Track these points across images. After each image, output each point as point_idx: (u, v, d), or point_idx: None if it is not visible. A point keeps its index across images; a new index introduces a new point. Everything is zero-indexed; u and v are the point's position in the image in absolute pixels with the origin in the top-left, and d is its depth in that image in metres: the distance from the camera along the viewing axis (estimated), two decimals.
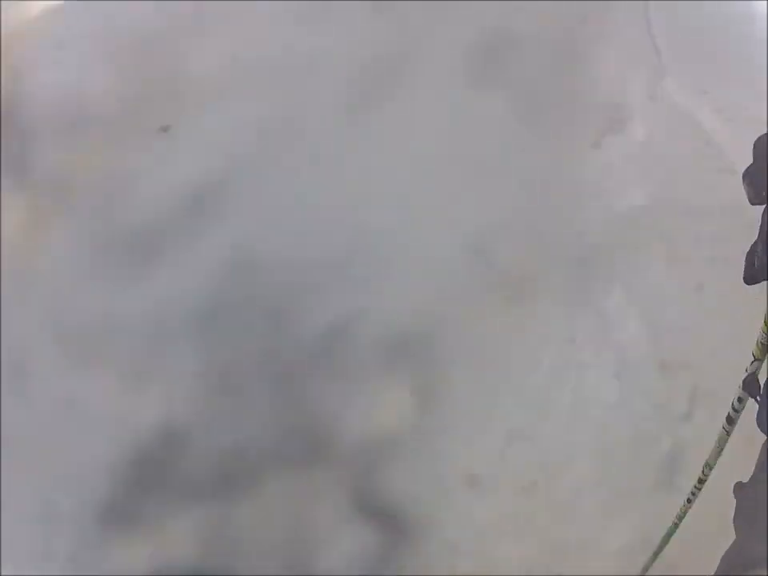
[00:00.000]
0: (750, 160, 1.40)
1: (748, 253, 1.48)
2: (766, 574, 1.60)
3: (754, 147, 1.47)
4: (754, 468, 1.40)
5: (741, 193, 1.46)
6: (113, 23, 1.73)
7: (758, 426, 1.49)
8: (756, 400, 1.48)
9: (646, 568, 1.53)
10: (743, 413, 1.43)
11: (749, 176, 1.51)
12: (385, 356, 1.64)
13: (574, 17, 1.71)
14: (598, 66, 1.73)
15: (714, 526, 1.38)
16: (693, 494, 1.48)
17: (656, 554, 1.51)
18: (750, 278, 1.54)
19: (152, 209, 1.65)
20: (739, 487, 1.48)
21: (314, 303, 1.59)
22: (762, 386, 1.55)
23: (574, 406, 1.65)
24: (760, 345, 1.55)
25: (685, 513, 1.49)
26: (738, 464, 1.38)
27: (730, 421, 1.44)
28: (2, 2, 1.85)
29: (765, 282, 1.42)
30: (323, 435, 1.61)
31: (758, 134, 1.59)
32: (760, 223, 1.51)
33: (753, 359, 1.52)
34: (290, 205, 1.61)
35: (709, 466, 1.46)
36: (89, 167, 1.69)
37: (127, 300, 1.63)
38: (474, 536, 1.60)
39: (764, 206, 1.48)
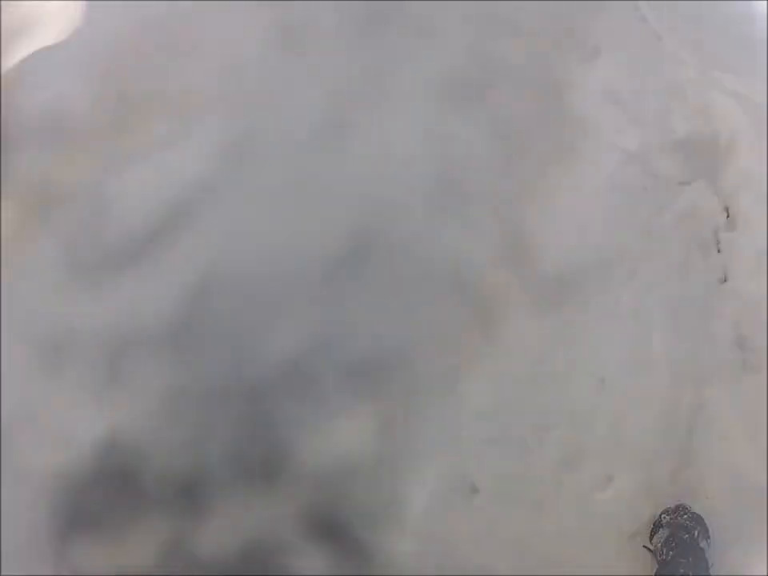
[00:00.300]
0: None
1: None
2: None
3: None
4: None
5: None
6: (98, 41, 1.77)
7: None
8: None
9: None
10: None
11: None
12: (348, 380, 1.64)
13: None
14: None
15: None
16: None
17: None
18: None
19: (126, 223, 1.68)
20: None
21: (279, 324, 1.61)
22: None
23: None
24: None
25: None
26: None
27: None
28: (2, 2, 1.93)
29: None
30: (283, 455, 1.61)
31: None
32: None
33: None
34: (263, 224, 1.62)
35: None
36: (65, 182, 1.72)
37: (93, 311, 1.66)
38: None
39: None
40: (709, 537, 1.57)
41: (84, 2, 1.87)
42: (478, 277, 1.62)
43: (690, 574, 1.52)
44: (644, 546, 1.59)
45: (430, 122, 1.68)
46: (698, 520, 1.59)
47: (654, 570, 1.56)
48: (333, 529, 1.57)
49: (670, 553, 1.57)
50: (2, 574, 1.69)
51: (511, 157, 1.67)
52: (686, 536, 1.57)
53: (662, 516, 1.62)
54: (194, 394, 1.63)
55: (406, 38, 1.76)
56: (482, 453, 1.62)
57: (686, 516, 1.60)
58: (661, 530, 1.59)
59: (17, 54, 1.82)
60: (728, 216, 1.76)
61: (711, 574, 1.52)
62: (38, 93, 1.80)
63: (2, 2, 1.89)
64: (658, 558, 1.59)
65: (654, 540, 1.60)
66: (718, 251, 1.71)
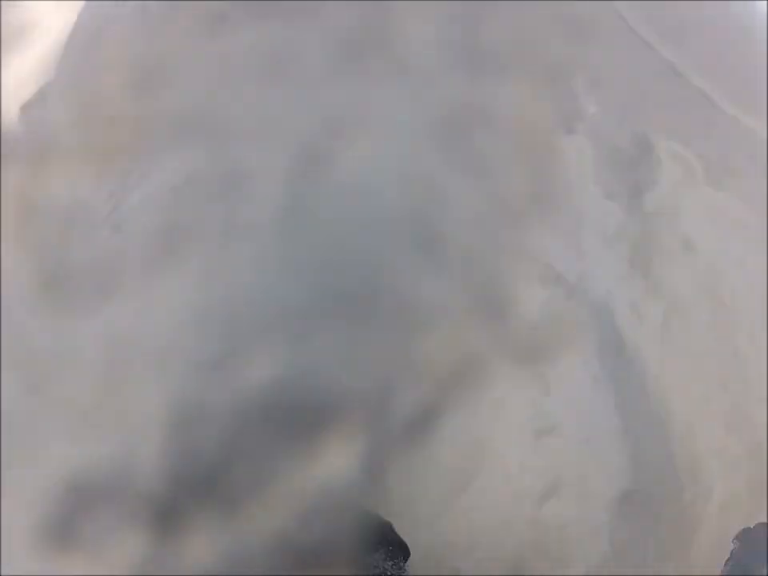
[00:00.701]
0: None
1: None
2: (765, 573, 1.56)
3: None
4: None
5: None
6: (91, 58, 1.73)
7: None
8: None
9: None
10: None
11: None
12: (329, 415, 1.64)
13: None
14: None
15: None
16: None
17: None
18: None
19: (113, 244, 1.68)
20: None
21: (263, 354, 1.61)
22: None
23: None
24: None
25: None
26: None
27: None
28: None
29: None
30: (260, 481, 1.64)
31: None
32: None
33: None
34: (250, 253, 1.61)
35: None
36: (50, 199, 1.73)
37: (81, 335, 1.68)
38: None
39: None
40: None
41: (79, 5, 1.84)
42: (452, 327, 1.62)
43: None
44: None
45: (408, 161, 1.67)
46: None
47: None
48: (305, 554, 1.62)
49: None
50: (2, 574, 1.76)
51: (490, 205, 1.63)
52: None
53: None
54: (176, 417, 1.66)
55: (391, 76, 1.71)
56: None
57: None
58: None
59: (12, 63, 1.80)
60: None
61: None
62: (28, 108, 1.79)
63: (2, 1, 1.85)
64: None
65: None
66: None
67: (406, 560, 1.67)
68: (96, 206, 1.71)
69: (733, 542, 1.69)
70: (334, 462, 1.59)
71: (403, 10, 1.70)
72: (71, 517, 1.65)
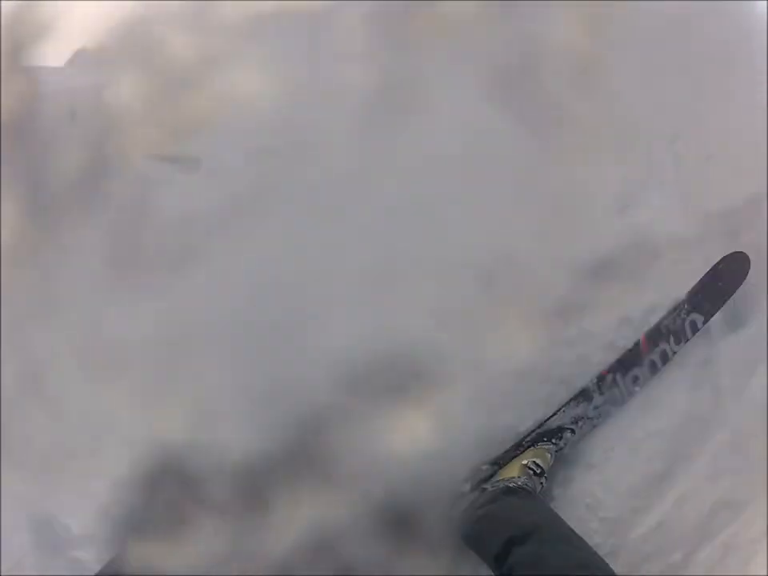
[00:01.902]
0: None
1: None
2: (765, 573, 1.64)
3: None
4: None
5: None
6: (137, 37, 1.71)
7: None
8: None
9: None
10: None
11: None
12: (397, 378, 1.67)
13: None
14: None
15: None
16: None
17: None
18: None
19: (174, 227, 1.65)
20: None
21: (331, 326, 1.62)
22: None
23: None
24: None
25: None
26: None
27: None
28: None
29: None
30: (334, 455, 1.65)
31: None
32: None
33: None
34: (312, 227, 1.61)
35: None
36: (107, 184, 1.70)
37: (146, 317, 1.65)
38: None
39: None
40: None
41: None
42: None
43: None
44: None
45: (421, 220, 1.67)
46: None
47: None
48: (393, 519, 1.64)
49: None
50: (2, 574, 1.70)
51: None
52: None
53: None
54: (248, 394, 1.65)
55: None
56: None
57: None
58: None
59: (46, 50, 1.76)
60: None
61: None
62: (72, 91, 1.75)
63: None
64: None
65: None
66: None
67: None
68: (158, 184, 1.69)
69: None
70: (425, 426, 1.62)
71: None
72: (148, 505, 1.62)
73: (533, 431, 1.74)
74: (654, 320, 1.75)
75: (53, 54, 1.75)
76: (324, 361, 1.61)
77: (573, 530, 1.58)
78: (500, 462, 1.74)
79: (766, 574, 1.53)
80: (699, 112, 1.88)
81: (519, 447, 1.74)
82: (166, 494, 1.63)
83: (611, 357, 1.74)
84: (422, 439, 1.59)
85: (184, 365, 1.68)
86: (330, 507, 1.58)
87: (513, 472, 1.71)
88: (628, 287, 1.67)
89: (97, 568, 1.68)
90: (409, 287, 1.64)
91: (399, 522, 1.60)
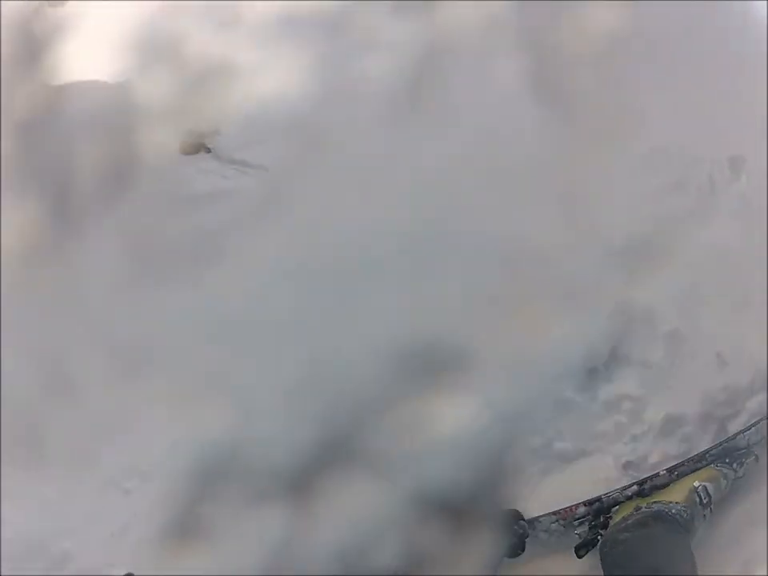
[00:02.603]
0: None
1: None
2: (766, 573, 1.59)
3: None
4: None
5: None
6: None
7: None
8: None
9: None
10: None
11: None
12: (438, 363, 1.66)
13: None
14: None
15: None
16: None
17: None
18: None
19: (204, 219, 1.64)
20: None
21: (369, 314, 1.61)
22: None
23: None
24: None
25: None
26: None
27: None
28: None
29: None
30: (376, 443, 1.64)
31: None
32: None
33: None
34: (344, 216, 1.61)
35: None
36: (135, 173, 1.68)
37: (180, 307, 1.63)
38: None
39: None
40: None
41: None
42: None
43: None
44: None
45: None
46: None
47: None
48: (443, 505, 1.62)
49: None
50: (2, 574, 1.66)
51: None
52: None
53: None
54: (287, 385, 1.63)
55: None
56: None
57: None
58: None
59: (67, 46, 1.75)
60: None
61: None
62: (95, 87, 1.74)
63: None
64: None
65: None
66: None
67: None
68: (192, 170, 1.67)
69: None
70: (470, 409, 1.61)
71: None
72: (194, 504, 1.58)
73: (721, 443, 1.56)
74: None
75: (77, 51, 1.74)
76: (363, 348, 1.60)
77: None
78: (678, 472, 1.55)
79: (766, 574, 1.44)
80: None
81: (702, 459, 1.55)
82: (208, 494, 1.62)
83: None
84: (463, 424, 1.59)
85: (219, 358, 1.66)
86: (375, 496, 1.58)
87: (678, 495, 1.54)
88: (658, 270, 1.68)
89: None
90: (444, 273, 1.65)
91: (445, 508, 1.60)
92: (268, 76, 1.65)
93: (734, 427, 1.61)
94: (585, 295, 1.74)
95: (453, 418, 1.61)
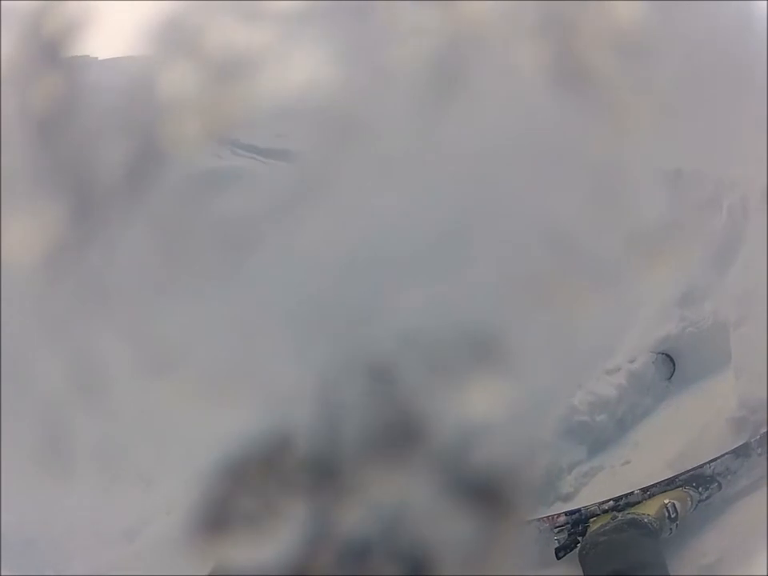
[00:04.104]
0: None
1: None
2: (765, 574, 1.66)
3: None
4: None
5: None
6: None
7: None
8: None
9: None
10: None
11: None
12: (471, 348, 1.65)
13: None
14: None
15: None
16: None
17: None
18: None
19: (237, 204, 1.62)
20: None
21: (404, 297, 1.60)
22: None
23: None
24: None
25: None
26: None
27: None
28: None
29: None
30: (415, 426, 1.62)
31: None
32: None
33: None
34: (377, 205, 1.60)
35: None
36: (160, 167, 1.65)
37: (211, 300, 1.61)
38: None
39: None
40: None
41: None
42: None
43: None
44: None
45: None
46: None
47: None
48: (477, 492, 1.61)
49: None
50: (2, 574, 1.64)
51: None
52: None
53: None
54: (322, 376, 1.62)
55: None
56: None
57: None
58: None
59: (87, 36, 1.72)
60: None
61: None
62: (115, 77, 1.72)
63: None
64: None
65: None
66: None
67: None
68: (218, 164, 1.65)
69: None
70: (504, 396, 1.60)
71: None
72: (227, 497, 1.57)
73: (689, 471, 1.75)
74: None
75: (97, 45, 1.72)
76: (399, 338, 1.59)
77: None
78: (651, 492, 1.75)
79: (766, 574, 1.49)
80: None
81: (672, 483, 1.75)
82: (241, 486, 1.60)
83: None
84: (500, 409, 1.58)
85: (251, 352, 1.65)
86: (409, 485, 1.56)
87: (650, 509, 1.73)
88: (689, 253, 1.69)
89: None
90: (478, 259, 1.64)
91: (482, 495, 1.58)
92: (293, 66, 1.63)
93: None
94: (613, 279, 1.75)
95: (491, 406, 1.60)
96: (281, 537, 1.57)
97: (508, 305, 1.64)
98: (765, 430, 1.80)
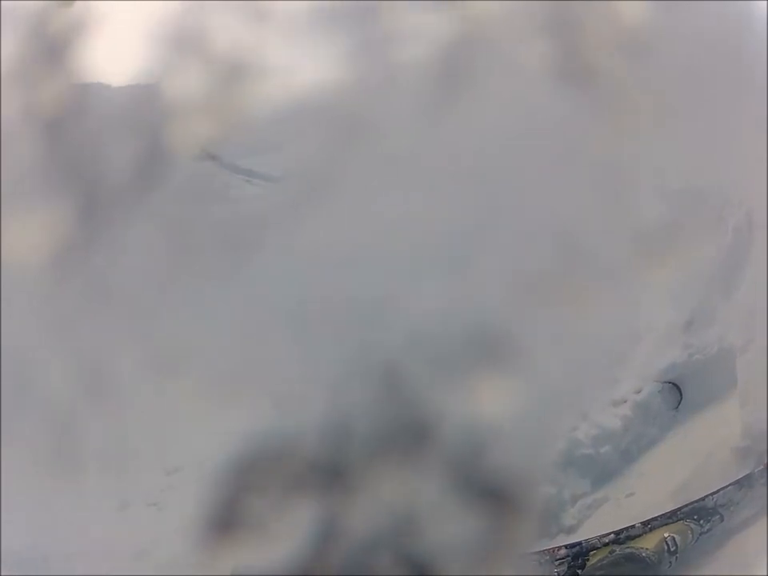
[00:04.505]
0: None
1: None
2: (765, 574, 1.66)
3: None
4: None
5: None
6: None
7: None
8: None
9: None
10: None
11: None
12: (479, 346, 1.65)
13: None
14: None
15: None
16: None
17: None
18: None
19: (244, 205, 1.62)
20: None
21: (412, 296, 1.59)
22: None
23: None
24: None
25: None
26: None
27: None
28: None
29: None
30: (423, 424, 1.62)
31: None
32: None
33: None
34: (388, 194, 1.59)
35: None
36: (167, 168, 1.65)
37: (217, 305, 1.61)
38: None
39: None
40: None
41: None
42: None
43: None
44: None
45: None
46: None
47: None
48: (484, 489, 1.61)
49: None
50: (2, 574, 1.62)
51: None
52: None
53: None
54: (329, 374, 1.61)
55: None
56: None
57: None
58: None
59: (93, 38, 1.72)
60: None
61: None
62: (122, 76, 1.71)
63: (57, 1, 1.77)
64: None
65: None
66: None
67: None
68: (225, 159, 1.64)
69: None
70: (513, 395, 1.60)
71: None
72: (234, 497, 1.56)
73: (690, 503, 1.70)
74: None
75: (102, 48, 1.72)
76: (411, 336, 1.59)
77: None
78: (651, 525, 1.70)
79: (766, 574, 1.58)
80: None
81: (673, 516, 1.69)
82: (248, 486, 1.60)
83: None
84: (509, 408, 1.58)
85: (259, 351, 1.65)
86: (418, 484, 1.56)
87: (649, 543, 1.68)
88: (697, 248, 1.69)
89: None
90: (486, 258, 1.64)
91: (490, 496, 1.58)
92: (300, 68, 1.63)
93: None
94: (620, 276, 1.75)
95: (502, 403, 1.60)
96: (290, 537, 1.56)
97: (516, 304, 1.64)
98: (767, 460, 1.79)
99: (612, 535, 1.71)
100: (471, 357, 1.64)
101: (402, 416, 1.66)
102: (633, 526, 1.71)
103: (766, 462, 1.75)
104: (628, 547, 1.69)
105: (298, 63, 1.69)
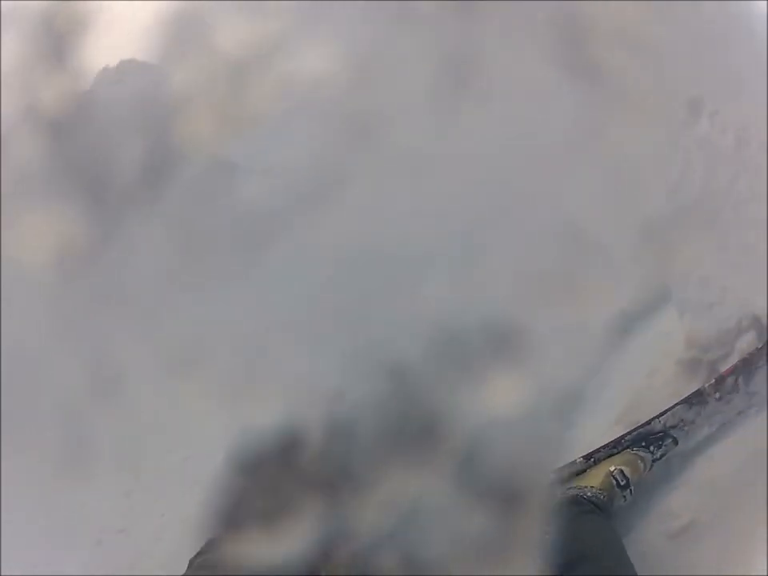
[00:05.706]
0: None
1: None
2: (765, 574, 1.60)
3: None
4: None
5: None
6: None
7: None
8: None
9: None
10: None
11: None
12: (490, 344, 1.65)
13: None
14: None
15: None
16: None
17: None
18: None
19: (253, 202, 1.62)
20: None
21: (419, 298, 1.60)
22: None
23: None
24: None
25: None
26: None
27: None
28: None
29: None
30: (434, 423, 1.62)
31: None
32: None
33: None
34: (396, 191, 1.59)
35: None
36: (175, 164, 1.65)
37: (227, 304, 1.61)
38: None
39: None
40: None
41: None
42: None
43: None
44: None
45: None
46: None
47: None
48: (494, 487, 1.61)
49: None
50: (2, 574, 1.63)
51: None
52: None
53: None
54: (339, 372, 1.61)
55: None
56: None
57: None
58: None
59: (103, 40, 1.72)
60: None
61: None
62: (130, 76, 1.72)
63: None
64: None
65: None
66: None
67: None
68: (235, 159, 1.64)
69: None
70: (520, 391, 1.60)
71: None
72: (240, 495, 1.56)
73: (635, 429, 1.59)
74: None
75: (105, 44, 1.72)
76: (418, 333, 1.59)
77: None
78: (595, 458, 1.60)
79: (766, 574, 1.47)
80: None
81: (618, 445, 1.59)
82: (255, 484, 1.60)
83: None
84: (516, 404, 1.58)
85: (270, 350, 1.65)
86: (426, 482, 1.56)
87: (594, 480, 1.58)
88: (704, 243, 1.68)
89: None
90: (494, 255, 1.65)
91: (497, 493, 1.58)
92: (308, 61, 1.64)
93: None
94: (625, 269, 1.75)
95: (508, 399, 1.60)
96: (297, 535, 1.57)
97: (526, 301, 1.64)
98: (721, 373, 1.63)
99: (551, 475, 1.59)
100: (480, 354, 1.64)
101: (409, 413, 1.66)
102: (574, 462, 1.61)
103: (718, 374, 1.63)
104: (570, 488, 1.59)
105: (306, 58, 1.70)
